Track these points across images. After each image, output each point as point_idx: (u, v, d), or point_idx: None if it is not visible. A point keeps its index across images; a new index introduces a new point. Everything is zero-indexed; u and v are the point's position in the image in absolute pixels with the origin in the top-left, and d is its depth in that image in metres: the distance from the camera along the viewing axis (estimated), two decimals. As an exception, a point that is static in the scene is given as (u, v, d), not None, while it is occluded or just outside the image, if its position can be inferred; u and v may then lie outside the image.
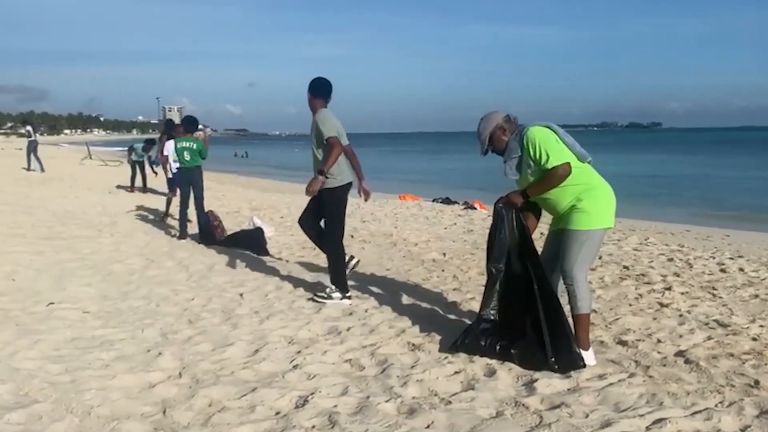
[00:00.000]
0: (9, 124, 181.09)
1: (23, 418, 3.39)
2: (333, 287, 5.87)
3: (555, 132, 4.27)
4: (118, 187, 17.54)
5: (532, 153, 4.24)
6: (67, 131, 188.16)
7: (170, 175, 10.97)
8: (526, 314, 4.28)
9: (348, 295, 5.88)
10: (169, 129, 15.37)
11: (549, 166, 4.17)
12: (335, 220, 5.96)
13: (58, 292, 6.00)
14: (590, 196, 4.23)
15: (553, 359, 4.10)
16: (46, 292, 5.97)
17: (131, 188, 16.53)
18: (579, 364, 4.11)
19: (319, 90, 5.94)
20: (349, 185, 5.99)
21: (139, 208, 12.75)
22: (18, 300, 5.70)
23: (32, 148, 22.69)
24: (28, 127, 23.48)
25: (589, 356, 4.23)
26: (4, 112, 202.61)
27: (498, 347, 4.32)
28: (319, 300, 5.82)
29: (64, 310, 5.43)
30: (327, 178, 5.73)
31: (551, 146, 4.20)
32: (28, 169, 22.28)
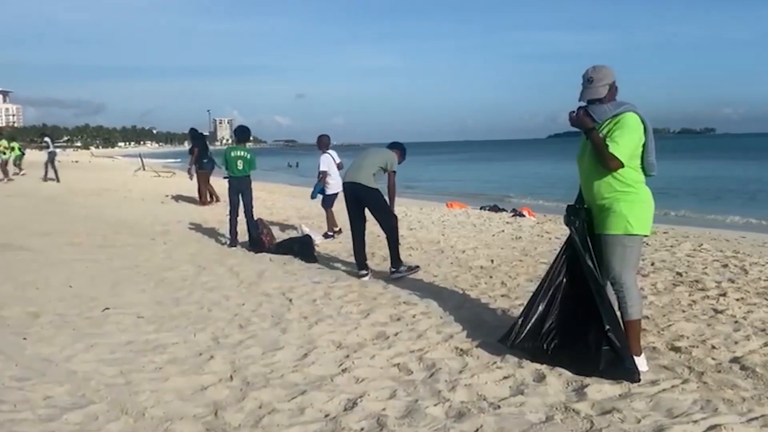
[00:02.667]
0: (65, 138, 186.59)
1: (80, 418, 3.49)
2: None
3: (645, 130, 4.17)
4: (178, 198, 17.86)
5: (615, 129, 4.10)
6: (121, 144, 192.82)
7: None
8: (582, 319, 4.21)
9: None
10: (194, 139, 15.70)
11: (610, 149, 4.08)
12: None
13: (113, 298, 6.15)
14: (630, 200, 4.14)
15: (606, 368, 4.03)
16: (102, 298, 6.13)
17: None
18: (635, 377, 3.99)
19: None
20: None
21: (191, 217, 12.98)
22: (75, 305, 5.86)
23: (51, 158, 23.32)
24: (47, 139, 24.15)
25: (641, 362, 4.16)
26: (60, 125, 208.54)
27: (550, 350, 4.28)
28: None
29: (119, 315, 5.57)
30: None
31: (628, 139, 4.08)
32: (45, 179, 22.83)
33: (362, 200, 7.31)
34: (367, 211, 7.41)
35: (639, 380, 3.96)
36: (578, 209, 4.41)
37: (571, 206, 4.48)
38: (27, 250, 8.74)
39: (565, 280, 4.39)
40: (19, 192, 18.67)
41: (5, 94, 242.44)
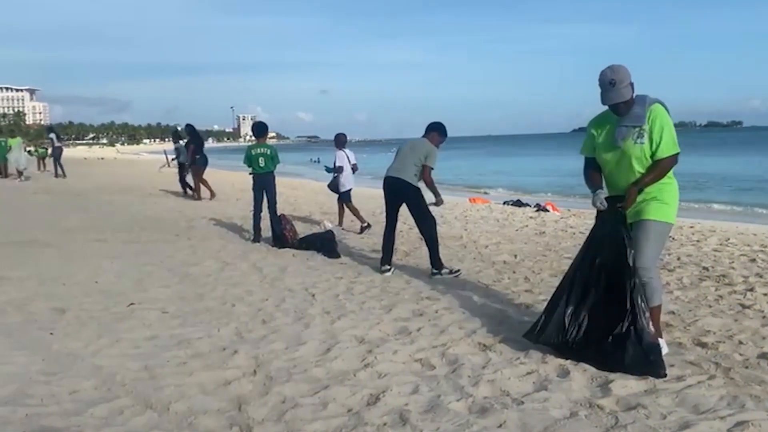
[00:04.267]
0: (91, 135, 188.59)
1: (105, 412, 3.52)
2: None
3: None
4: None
5: (657, 130, 4.12)
6: (146, 141, 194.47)
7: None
8: (608, 314, 4.14)
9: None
10: (191, 135, 16.07)
11: (668, 152, 4.10)
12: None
13: (138, 294, 6.21)
14: (671, 189, 4.22)
15: (632, 363, 3.98)
16: (127, 294, 6.19)
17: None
18: (661, 372, 3.95)
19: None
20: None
21: (215, 213, 13.07)
22: (100, 301, 5.93)
23: (57, 154, 23.51)
24: (52, 135, 24.28)
25: (663, 343, 4.20)
26: (86, 123, 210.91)
27: (575, 344, 4.23)
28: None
29: (144, 311, 5.61)
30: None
31: (671, 131, 4.13)
32: (56, 176, 23.03)
33: (402, 196, 7.26)
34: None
35: (665, 375, 3.92)
36: (619, 198, 4.29)
37: (615, 197, 4.33)
38: (53, 246, 8.86)
39: (591, 273, 4.31)
40: (44, 189, 18.92)
41: (32, 92, 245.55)
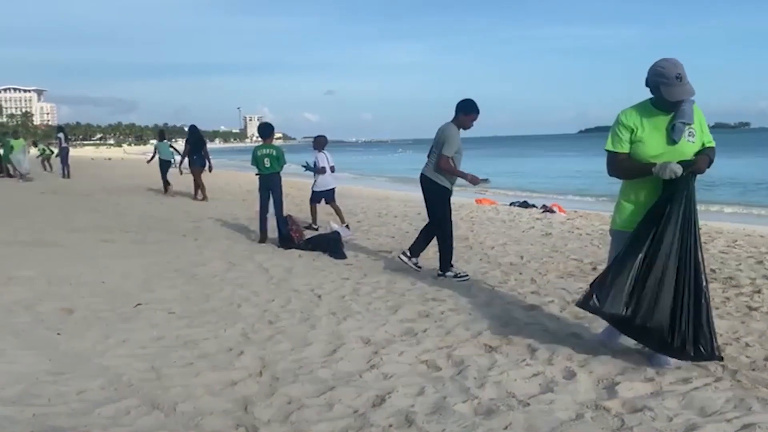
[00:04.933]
0: (98, 136, 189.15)
1: (112, 412, 3.54)
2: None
3: None
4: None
5: (703, 128, 4.20)
6: (153, 141, 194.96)
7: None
8: (678, 295, 4.00)
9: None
10: (192, 135, 16.44)
11: (712, 143, 4.21)
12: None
13: (145, 294, 6.23)
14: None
15: (691, 348, 3.95)
16: (134, 294, 6.21)
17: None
18: (716, 355, 3.97)
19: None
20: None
21: (221, 214, 13.10)
22: (108, 301, 5.94)
23: (64, 154, 23.59)
24: (60, 135, 24.38)
25: None
26: (94, 123, 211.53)
27: (635, 323, 4.05)
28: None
29: (151, 311, 5.63)
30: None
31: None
32: (63, 176, 23.11)
33: (423, 192, 7.14)
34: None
35: (722, 358, 4.05)
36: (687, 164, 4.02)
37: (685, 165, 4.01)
38: (60, 246, 8.89)
39: (660, 248, 4.01)
40: (52, 189, 18.99)
41: (40, 92, 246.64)
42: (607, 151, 4.30)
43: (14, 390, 3.81)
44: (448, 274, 7.01)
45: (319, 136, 11.62)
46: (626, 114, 4.23)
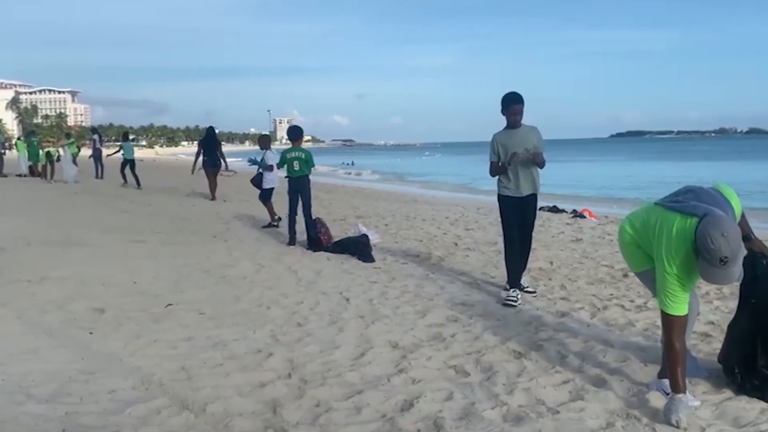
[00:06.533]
0: (131, 137, 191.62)
1: (143, 412, 3.57)
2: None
3: None
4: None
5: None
6: (184, 143, 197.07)
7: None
8: None
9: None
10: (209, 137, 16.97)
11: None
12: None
13: (176, 295, 6.28)
14: None
15: None
16: (165, 294, 6.27)
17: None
18: None
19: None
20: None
21: (250, 215, 13.18)
22: (139, 301, 6.01)
23: (97, 155, 23.84)
24: (95, 136, 24.62)
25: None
26: (126, 125, 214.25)
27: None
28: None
29: (181, 312, 5.68)
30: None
31: None
32: (97, 177, 23.23)
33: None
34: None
35: None
36: None
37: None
38: (92, 246, 9.00)
39: None
40: (84, 190, 19.25)
41: (74, 94, 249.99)
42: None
43: (47, 388, 3.87)
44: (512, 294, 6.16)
45: (263, 136, 12.74)
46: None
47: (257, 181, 12.03)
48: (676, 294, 3.49)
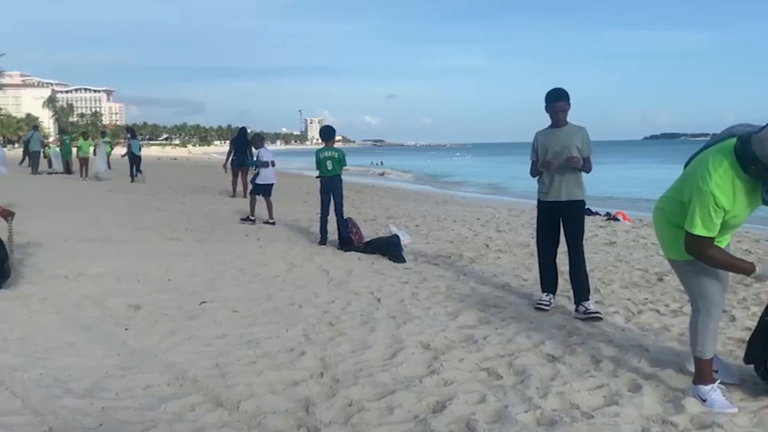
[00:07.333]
0: (164, 136, 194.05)
1: (178, 408, 3.61)
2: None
3: None
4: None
5: None
6: (216, 142, 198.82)
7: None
8: None
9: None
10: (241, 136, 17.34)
11: None
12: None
13: (210, 292, 6.35)
14: None
15: None
16: (199, 292, 6.34)
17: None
18: None
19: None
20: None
21: (282, 215, 13.26)
22: (174, 299, 6.09)
23: (129, 154, 24.10)
24: (129, 135, 24.90)
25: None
26: (160, 124, 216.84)
27: None
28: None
29: (215, 309, 5.74)
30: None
31: None
32: (133, 179, 23.50)
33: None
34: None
35: None
36: None
37: None
38: (128, 244, 9.13)
39: None
40: (119, 188, 19.54)
41: (109, 93, 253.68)
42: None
43: (84, 383, 3.93)
44: (580, 308, 5.75)
45: (256, 135, 13.47)
46: (725, 180, 3.41)
47: (254, 178, 12.44)
48: (709, 214, 3.38)
